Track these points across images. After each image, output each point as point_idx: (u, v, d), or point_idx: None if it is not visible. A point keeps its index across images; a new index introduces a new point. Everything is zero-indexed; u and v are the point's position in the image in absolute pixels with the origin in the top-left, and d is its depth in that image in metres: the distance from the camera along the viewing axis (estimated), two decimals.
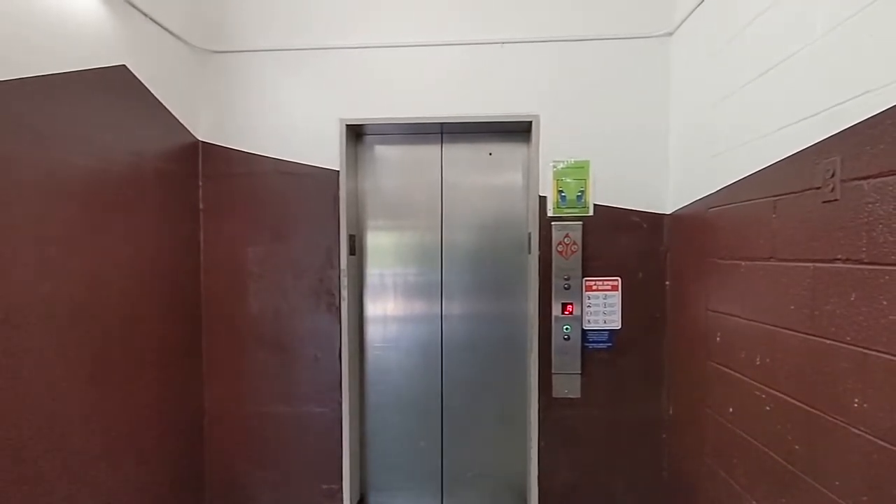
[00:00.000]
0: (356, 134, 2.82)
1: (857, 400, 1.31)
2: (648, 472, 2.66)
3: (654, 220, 2.59)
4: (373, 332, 2.92)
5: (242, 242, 2.68)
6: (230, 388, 2.70)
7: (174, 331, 2.48)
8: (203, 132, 2.68)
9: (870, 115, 1.26)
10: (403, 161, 2.88)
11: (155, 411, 2.35)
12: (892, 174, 1.19)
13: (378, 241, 2.90)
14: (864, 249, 1.28)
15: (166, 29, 2.41)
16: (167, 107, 2.43)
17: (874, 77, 1.25)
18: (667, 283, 2.60)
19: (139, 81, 2.25)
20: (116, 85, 2.12)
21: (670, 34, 2.52)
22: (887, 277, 1.21)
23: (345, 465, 2.70)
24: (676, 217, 2.50)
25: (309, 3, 2.66)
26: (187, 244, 2.60)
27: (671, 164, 2.55)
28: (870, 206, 1.26)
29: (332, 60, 2.65)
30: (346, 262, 2.66)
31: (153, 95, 2.34)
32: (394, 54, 2.64)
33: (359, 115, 2.65)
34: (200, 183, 2.67)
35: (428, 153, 2.85)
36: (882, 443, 1.23)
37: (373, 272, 2.90)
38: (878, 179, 1.23)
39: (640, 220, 2.60)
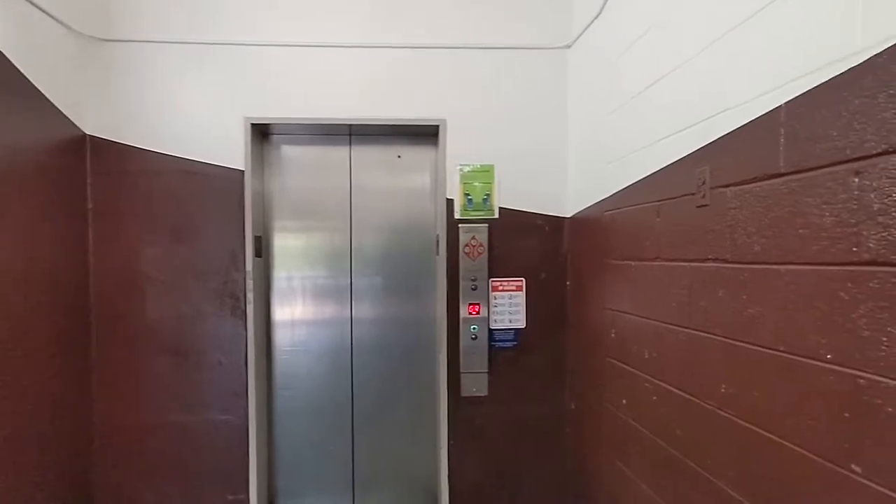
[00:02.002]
0: (262, 133, 2.75)
1: (724, 386, 1.45)
2: (553, 465, 2.78)
3: (556, 222, 2.72)
4: (281, 337, 2.85)
5: (139, 244, 2.53)
6: (125, 398, 2.54)
7: (59, 339, 2.29)
8: (92, 126, 2.50)
9: (731, 130, 1.40)
10: (312, 162, 2.84)
11: (36, 425, 2.16)
12: (748, 182, 1.33)
13: (286, 244, 2.84)
14: (728, 250, 1.42)
15: (48, 13, 2.23)
16: (49, 97, 2.24)
17: (733, 95, 1.39)
18: (568, 283, 2.74)
19: (15, 68, 2.06)
20: None
21: (569, 46, 2.66)
22: (746, 275, 1.35)
23: (251, 474, 2.62)
24: (576, 220, 2.64)
25: None
26: (74, 245, 2.42)
27: (571, 169, 2.69)
28: (732, 210, 1.40)
29: (237, 57, 2.57)
30: (251, 264, 2.58)
31: (32, 84, 2.15)
32: (302, 54, 2.60)
33: (264, 114, 2.59)
34: (89, 180, 2.49)
35: (336, 154, 2.83)
36: (743, 423, 1.36)
37: (280, 275, 2.84)
38: (738, 187, 1.37)
39: (543, 223, 2.71)
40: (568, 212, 2.71)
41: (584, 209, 2.52)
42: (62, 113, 2.33)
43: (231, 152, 2.57)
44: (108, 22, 2.51)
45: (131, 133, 2.52)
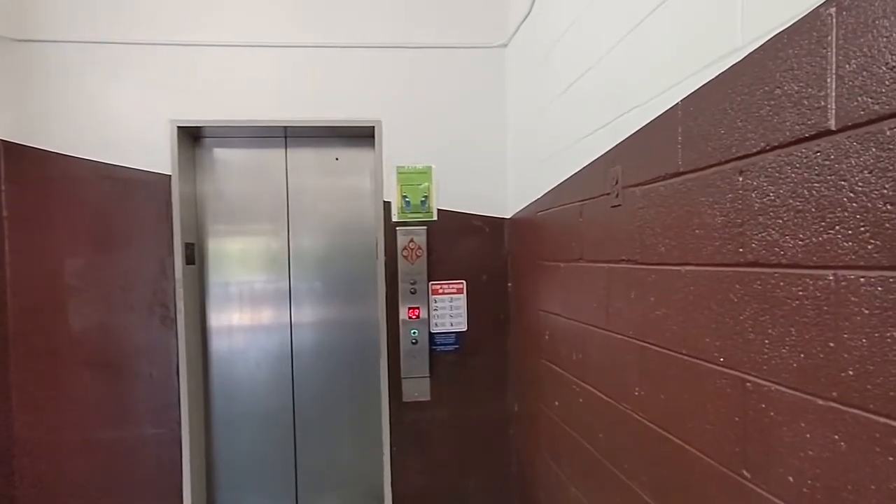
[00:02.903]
0: (192, 136, 2.65)
1: (637, 388, 1.42)
2: (498, 468, 2.74)
3: (496, 224, 2.69)
4: (218, 345, 2.76)
5: (60, 254, 2.41)
6: (47, 415, 2.42)
7: None
8: (5, 130, 2.38)
9: (637, 129, 1.38)
10: (246, 165, 2.76)
11: None
12: (653, 182, 1.31)
13: (221, 249, 2.75)
14: (638, 251, 1.40)
15: None
16: None
17: (640, 94, 1.37)
18: (509, 284, 2.71)
19: None
20: None
21: (505, 45, 2.63)
22: (653, 276, 1.32)
23: (185, 488, 2.53)
24: (515, 221, 2.61)
25: None
26: None
27: (510, 169, 2.66)
28: (640, 210, 1.38)
29: (163, 57, 2.47)
30: (181, 271, 2.49)
31: None
32: (232, 54, 2.52)
33: (193, 116, 2.49)
34: (3, 187, 2.37)
35: (272, 157, 2.75)
36: (654, 427, 1.34)
37: (216, 281, 2.75)
38: (645, 186, 1.35)
39: (483, 224, 2.68)
40: (508, 212, 2.68)
41: (522, 209, 2.48)
42: None
43: (157, 157, 2.47)
44: (23, 21, 2.39)
45: (50, 138, 2.40)
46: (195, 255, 2.67)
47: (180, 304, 2.50)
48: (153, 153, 2.47)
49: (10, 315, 2.39)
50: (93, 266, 2.45)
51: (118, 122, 2.45)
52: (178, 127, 2.48)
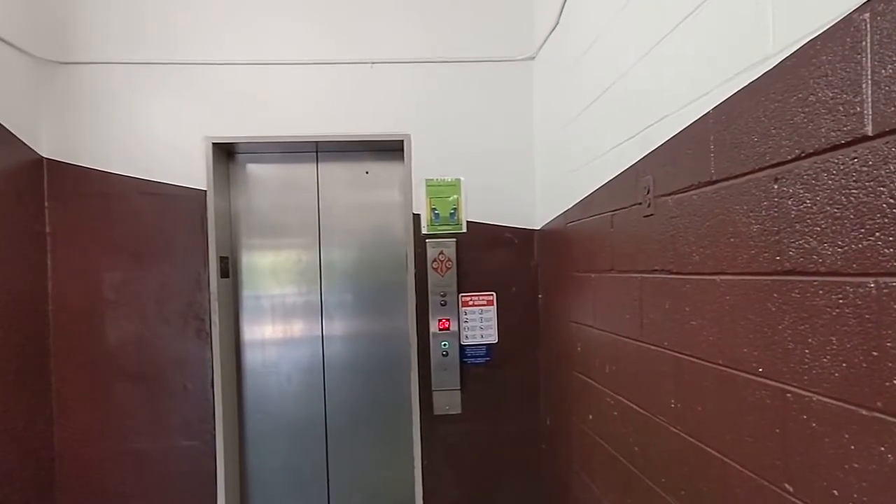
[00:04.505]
0: (227, 153, 2.73)
1: (673, 400, 1.40)
2: (530, 483, 2.72)
3: (525, 235, 2.69)
4: (251, 357, 2.81)
5: (99, 268, 2.49)
6: (86, 426, 2.49)
7: (15, 366, 2.24)
8: (49, 149, 2.48)
9: (668, 138, 1.37)
10: (279, 180, 2.82)
11: None
12: (686, 191, 1.30)
13: (254, 263, 2.82)
14: (672, 260, 1.39)
15: (2, 38, 2.21)
16: (2, 122, 2.21)
17: (670, 103, 1.36)
18: (539, 296, 2.70)
19: None
20: None
21: (532, 58, 2.64)
22: (688, 286, 1.31)
23: (219, 498, 2.57)
24: (544, 232, 2.60)
25: (171, 16, 2.55)
26: (31, 270, 2.38)
27: (538, 181, 2.66)
28: (674, 219, 1.37)
29: (198, 76, 2.56)
30: (216, 285, 2.55)
31: None
32: (265, 72, 2.59)
33: (227, 133, 2.57)
34: (46, 204, 2.46)
35: (303, 171, 2.81)
36: (691, 440, 1.32)
37: (249, 294, 2.81)
38: (678, 195, 1.34)
39: (512, 236, 2.68)
40: (537, 224, 2.68)
41: (551, 221, 2.48)
42: (16, 137, 2.30)
43: (193, 172, 2.55)
44: (65, 45, 2.50)
45: (90, 155, 2.50)
46: (229, 269, 2.73)
47: (215, 318, 2.56)
48: (189, 169, 2.55)
49: (51, 328, 2.48)
50: (131, 280, 2.53)
51: (155, 140, 2.54)
52: (213, 143, 2.56)
